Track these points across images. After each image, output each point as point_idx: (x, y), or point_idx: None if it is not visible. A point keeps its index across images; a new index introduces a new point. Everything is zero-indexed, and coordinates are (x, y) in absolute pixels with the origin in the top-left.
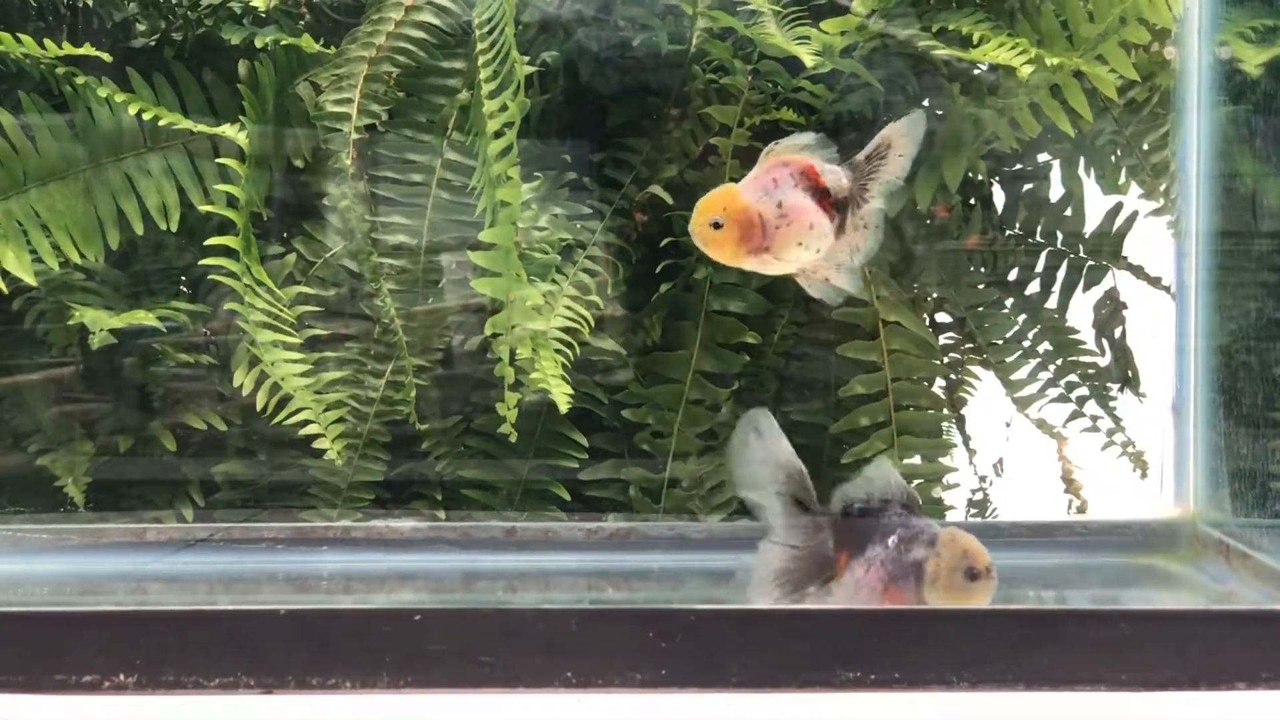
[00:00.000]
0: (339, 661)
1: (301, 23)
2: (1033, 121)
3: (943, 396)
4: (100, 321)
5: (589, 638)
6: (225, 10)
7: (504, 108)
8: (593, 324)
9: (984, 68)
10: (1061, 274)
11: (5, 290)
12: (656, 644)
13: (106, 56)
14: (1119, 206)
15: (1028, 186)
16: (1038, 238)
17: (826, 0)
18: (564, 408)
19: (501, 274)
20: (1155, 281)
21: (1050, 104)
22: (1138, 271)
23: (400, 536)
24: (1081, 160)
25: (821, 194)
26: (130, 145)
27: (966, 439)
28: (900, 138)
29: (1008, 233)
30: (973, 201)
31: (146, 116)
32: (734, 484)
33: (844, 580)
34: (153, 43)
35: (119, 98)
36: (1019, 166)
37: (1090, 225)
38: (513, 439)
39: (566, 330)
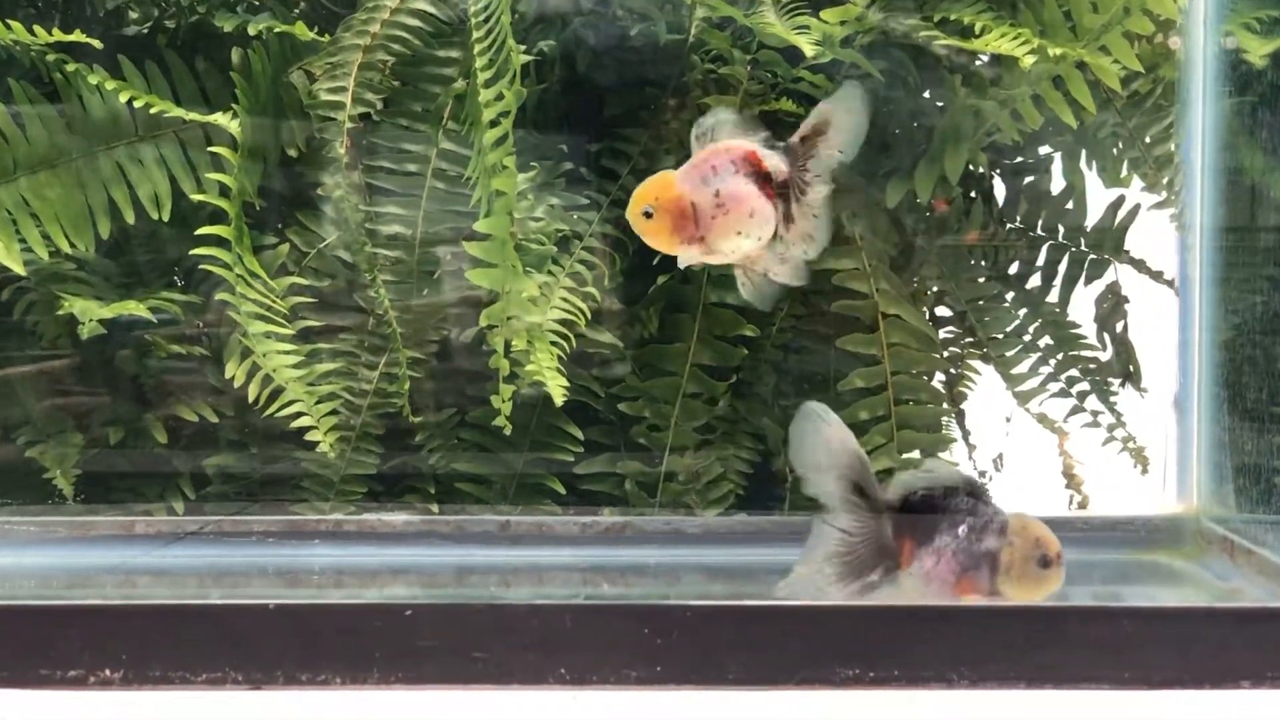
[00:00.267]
0: (329, 657)
1: (295, 10)
2: (1035, 113)
3: (943, 391)
4: (90, 312)
5: (583, 634)
6: None
7: (500, 97)
8: (589, 316)
9: (985, 58)
10: (1063, 268)
11: None
12: (652, 640)
13: (98, 44)
14: (1121, 199)
15: (1029, 179)
16: (1039, 231)
17: None
18: (559, 401)
19: (497, 265)
20: (1158, 275)
21: (1053, 95)
22: (1140, 265)
23: (393, 530)
24: (1083, 153)
25: (764, 179)
26: (122, 134)
27: (966, 434)
28: (837, 113)
29: (1009, 226)
30: (973, 194)
31: (138, 104)
32: (796, 469)
33: (912, 570)
34: (145, 30)
35: (110, 85)
36: (1020, 159)
37: (1092, 218)
38: (507, 432)
39: (562, 322)
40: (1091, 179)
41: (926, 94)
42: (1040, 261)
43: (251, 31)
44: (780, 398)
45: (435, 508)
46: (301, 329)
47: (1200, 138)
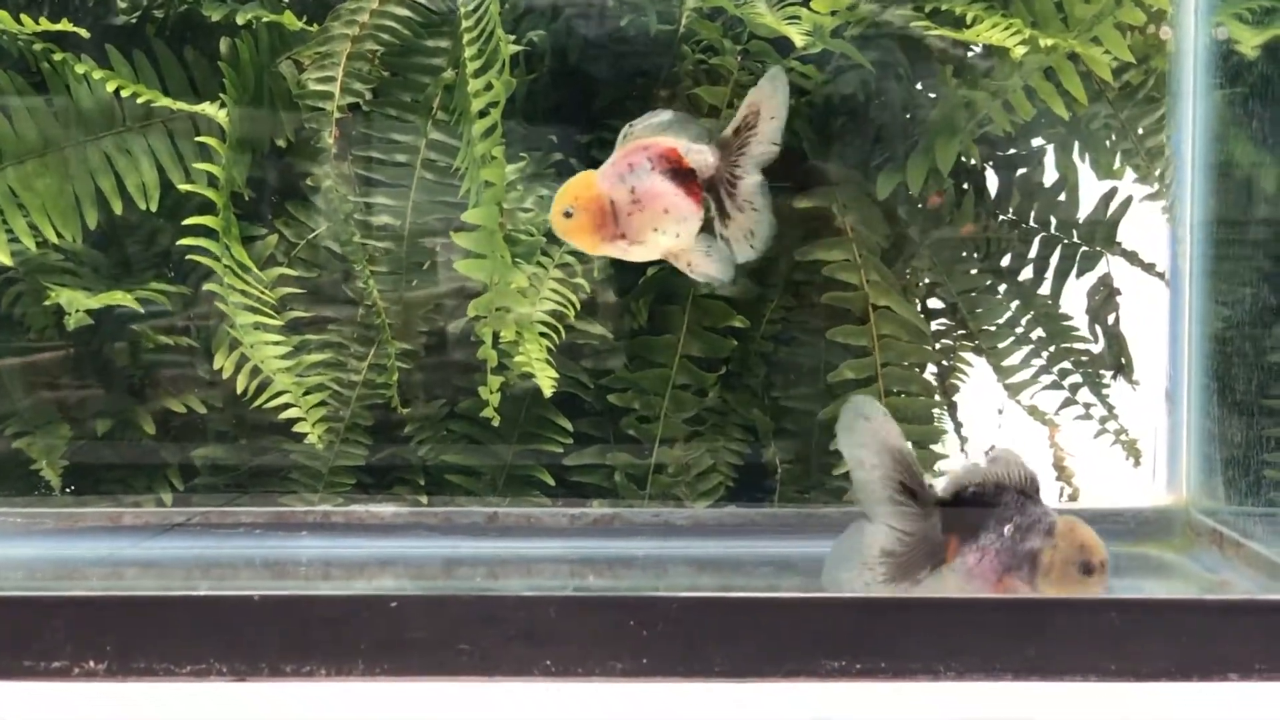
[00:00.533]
0: (314, 648)
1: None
2: (1027, 105)
3: (934, 383)
4: (77, 302)
5: (569, 626)
6: None
7: (489, 87)
8: (579, 307)
9: (977, 49)
10: (1055, 260)
11: None
12: (638, 632)
13: (85, 33)
14: (1113, 192)
15: (1021, 171)
16: (1031, 223)
17: None
18: (549, 392)
19: (486, 256)
20: (1149, 268)
21: (1044, 87)
22: (1132, 257)
23: (381, 521)
24: (1076, 145)
25: (686, 176)
26: (110, 124)
27: (958, 426)
28: (767, 99)
29: (1001, 218)
30: (965, 186)
31: (126, 94)
32: (845, 462)
33: (955, 565)
34: (133, 19)
35: (98, 75)
36: (1012, 151)
37: (1084, 211)
38: (496, 423)
39: (552, 313)
40: (1084, 171)
41: (918, 85)
42: (1032, 254)
43: (240, 21)
44: (770, 389)
45: (424, 499)
46: (290, 320)
47: (1192, 129)
